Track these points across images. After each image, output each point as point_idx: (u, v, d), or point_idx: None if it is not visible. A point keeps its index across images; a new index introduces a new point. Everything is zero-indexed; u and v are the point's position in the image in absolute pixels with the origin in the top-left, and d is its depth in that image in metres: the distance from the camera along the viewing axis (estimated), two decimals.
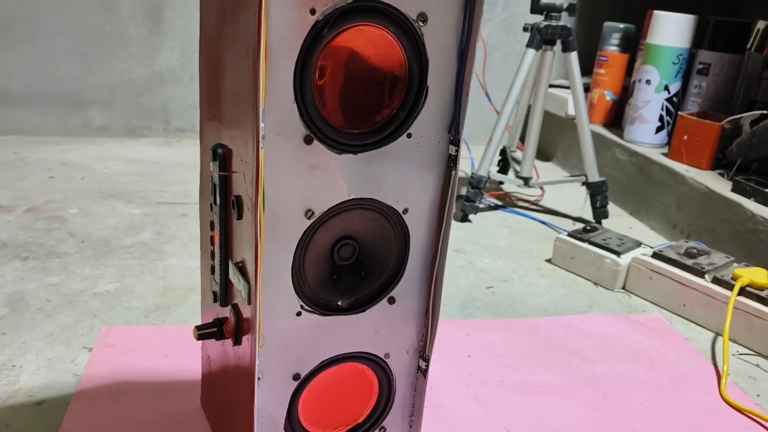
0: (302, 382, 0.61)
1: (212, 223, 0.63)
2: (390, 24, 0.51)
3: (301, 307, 0.58)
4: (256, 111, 0.49)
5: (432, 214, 0.61)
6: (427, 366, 0.65)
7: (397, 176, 0.57)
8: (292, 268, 0.56)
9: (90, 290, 1.05)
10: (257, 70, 0.48)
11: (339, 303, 0.60)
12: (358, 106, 0.54)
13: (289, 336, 0.58)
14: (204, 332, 0.64)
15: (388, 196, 0.58)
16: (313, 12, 0.49)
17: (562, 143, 1.96)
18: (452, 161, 0.59)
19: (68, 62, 1.85)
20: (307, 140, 0.52)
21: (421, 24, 0.52)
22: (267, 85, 0.49)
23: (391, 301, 0.62)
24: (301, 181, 0.53)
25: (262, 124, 0.49)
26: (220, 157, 0.59)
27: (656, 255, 1.14)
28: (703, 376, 0.91)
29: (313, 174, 0.54)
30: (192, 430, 0.73)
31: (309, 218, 0.55)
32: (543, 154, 2.05)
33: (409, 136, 0.56)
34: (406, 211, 0.59)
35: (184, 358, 0.85)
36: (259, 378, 0.58)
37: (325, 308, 0.59)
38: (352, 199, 0.56)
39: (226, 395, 0.67)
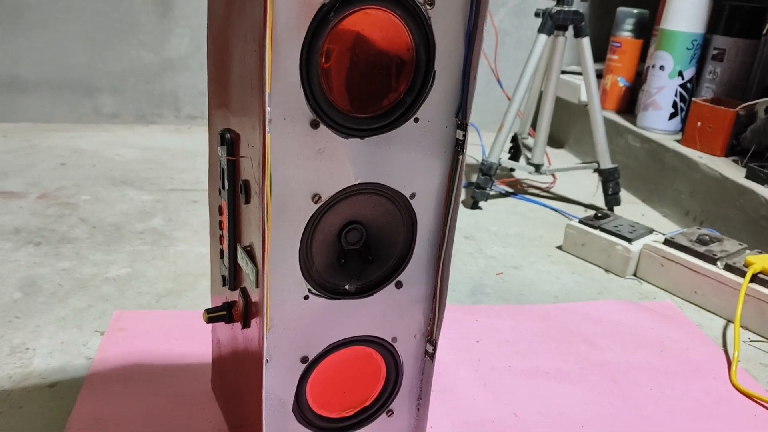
0: (310, 365, 0.61)
1: (221, 208, 0.63)
2: (397, 7, 0.51)
3: (309, 290, 0.58)
4: (262, 95, 0.49)
5: (439, 199, 0.61)
6: (435, 350, 0.65)
7: (404, 161, 0.57)
8: (299, 252, 0.56)
9: (102, 275, 1.06)
10: (263, 54, 0.48)
11: (346, 287, 0.60)
12: (365, 90, 0.54)
13: (297, 319, 0.58)
14: (213, 315, 0.65)
15: (396, 181, 0.58)
16: None
17: (574, 130, 1.94)
18: (459, 146, 0.58)
19: (79, 49, 1.86)
20: (314, 124, 0.52)
21: (428, 7, 0.52)
22: (273, 70, 0.49)
23: (399, 285, 0.62)
24: (307, 165, 0.53)
25: (268, 109, 0.49)
26: (227, 141, 0.59)
27: (668, 242, 1.13)
28: (714, 363, 0.90)
29: (320, 158, 0.54)
30: (202, 412, 0.74)
31: (316, 202, 0.55)
32: (555, 141, 2.04)
33: (416, 120, 0.56)
34: (413, 195, 0.59)
35: (195, 342, 0.86)
36: (267, 360, 0.58)
37: (332, 292, 0.59)
38: (359, 183, 0.56)
39: (235, 378, 0.68)
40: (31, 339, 0.86)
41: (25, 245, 1.14)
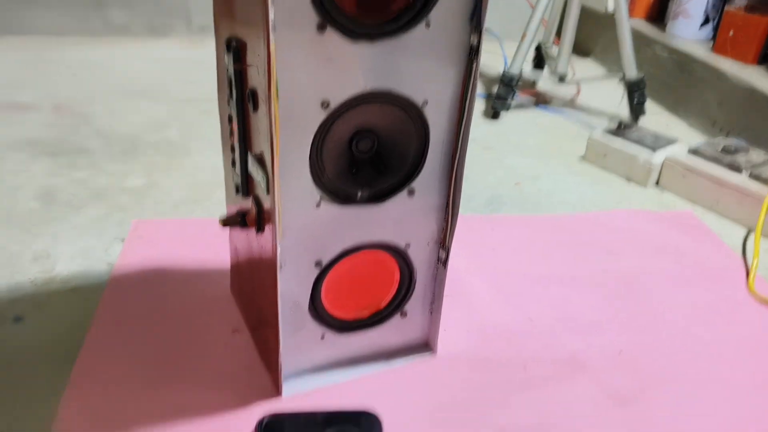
0: (324, 269, 0.62)
1: (230, 117, 0.62)
2: None
3: (320, 197, 0.57)
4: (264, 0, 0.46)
5: (453, 107, 0.58)
6: (447, 256, 0.65)
7: (415, 68, 0.55)
8: (309, 159, 0.55)
9: (118, 185, 1.06)
10: None
11: (358, 195, 0.59)
12: None
13: (310, 225, 0.58)
14: (229, 221, 0.65)
15: (407, 88, 0.55)
16: None
17: (601, 39, 1.86)
18: (473, 52, 0.55)
19: None
20: (320, 27, 0.50)
21: None
22: None
23: (411, 193, 0.61)
24: (315, 71, 0.51)
25: (271, 14, 0.47)
26: (234, 49, 0.57)
27: (692, 151, 1.10)
28: (732, 271, 0.90)
29: (328, 64, 0.51)
30: (222, 314, 0.75)
31: (325, 109, 0.53)
32: (581, 50, 1.96)
33: (427, 25, 0.53)
34: (425, 103, 0.57)
35: (213, 249, 0.87)
36: (281, 266, 0.59)
37: (344, 199, 0.59)
38: (369, 91, 0.54)
39: (252, 282, 0.69)
40: (52, 246, 0.88)
41: (41, 156, 1.14)
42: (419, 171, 0.60)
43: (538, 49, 1.62)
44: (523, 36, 1.39)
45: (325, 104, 0.53)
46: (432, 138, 0.59)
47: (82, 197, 1.01)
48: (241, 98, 0.58)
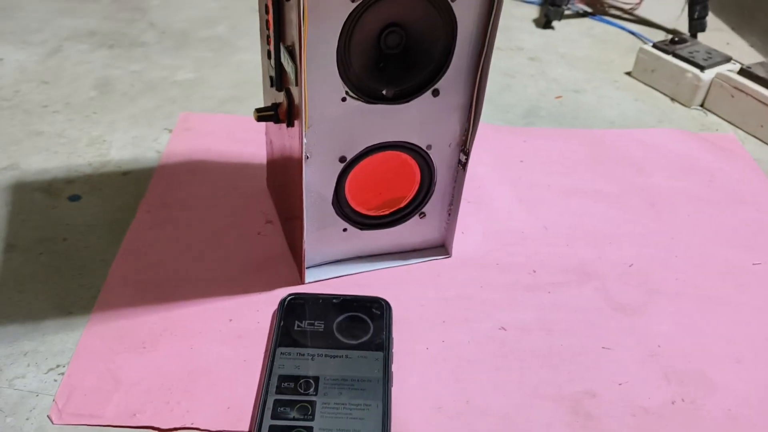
0: (348, 164, 0.65)
1: (267, 7, 0.64)
2: None
3: (346, 92, 0.60)
4: None
5: (482, 3, 0.59)
6: (467, 159, 0.68)
7: None
8: (337, 52, 0.58)
9: (170, 78, 1.11)
10: None
11: (384, 92, 0.62)
12: None
13: (335, 120, 0.62)
14: (262, 114, 0.69)
15: None
16: None
17: None
18: None
19: None
20: None
21: None
22: None
23: (435, 93, 0.63)
24: None
25: None
26: None
27: (743, 71, 1.06)
28: (762, 196, 0.89)
29: None
30: (257, 205, 0.81)
31: (354, 1, 0.55)
32: None
33: None
34: None
35: (254, 144, 0.92)
36: (307, 157, 0.63)
37: (370, 96, 0.61)
38: None
39: (283, 174, 0.74)
40: (107, 133, 0.95)
41: (100, 47, 1.20)
42: (445, 70, 0.62)
43: None
44: None
45: None
46: (459, 35, 0.60)
47: (137, 88, 1.07)
48: None
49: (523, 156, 0.94)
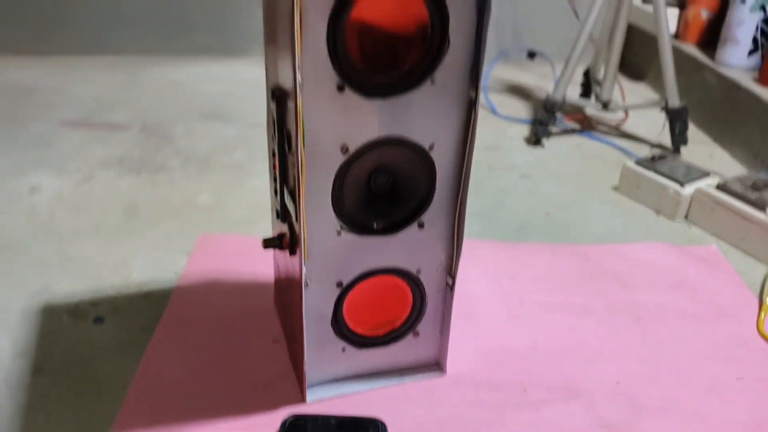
0: (345, 289, 0.72)
1: (273, 152, 0.74)
2: None
3: (341, 227, 0.68)
4: (293, 64, 0.58)
5: (457, 150, 0.68)
6: (453, 282, 0.75)
7: (422, 117, 0.65)
8: (331, 194, 0.66)
9: (191, 202, 1.21)
10: (293, 29, 0.56)
11: (374, 225, 0.70)
12: (386, 56, 0.61)
13: (332, 250, 0.69)
14: (269, 243, 0.77)
15: (415, 135, 0.66)
16: None
17: (655, 63, 1.88)
18: (472, 104, 0.65)
19: None
20: (340, 88, 0.61)
21: None
22: (304, 42, 0.58)
23: (421, 225, 0.71)
24: (336, 121, 0.62)
25: (299, 76, 0.58)
26: (277, 97, 0.68)
27: (720, 186, 1.13)
28: (744, 309, 0.94)
29: (347, 116, 0.62)
30: (265, 322, 0.88)
31: (344, 153, 0.64)
32: (635, 74, 1.98)
33: (432, 82, 0.63)
34: (432, 147, 0.67)
35: (264, 264, 0.99)
36: (306, 284, 0.70)
37: (362, 228, 0.69)
38: (383, 137, 0.65)
39: (287, 296, 0.81)
40: (130, 257, 1.03)
41: (128, 174, 1.32)
42: (428, 205, 0.70)
43: (587, 74, 1.67)
44: (566, 63, 1.45)
45: (344, 149, 0.64)
46: (438, 176, 0.69)
47: (160, 213, 1.17)
48: (281, 138, 0.69)
49: (513, 272, 1.00)
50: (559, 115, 1.51)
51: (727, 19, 1.53)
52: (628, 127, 1.63)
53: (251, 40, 2.09)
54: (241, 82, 1.90)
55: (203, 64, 2.04)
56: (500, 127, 1.57)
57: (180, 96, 1.76)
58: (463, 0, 0.60)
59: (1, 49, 2.05)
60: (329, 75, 0.60)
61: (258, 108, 1.69)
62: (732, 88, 1.49)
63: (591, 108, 1.59)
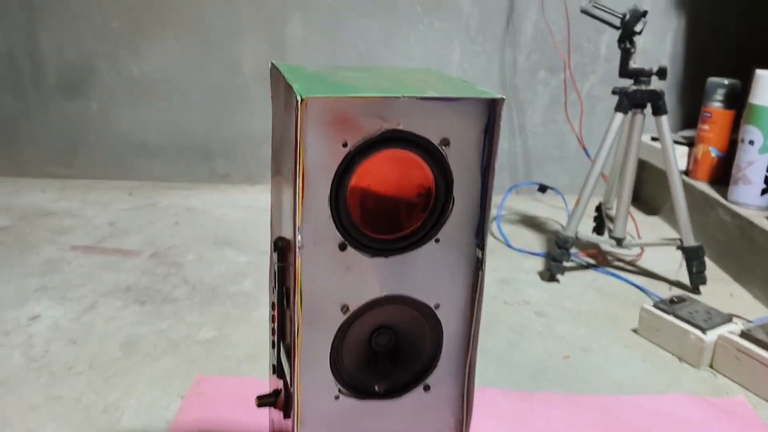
0: None
1: (273, 304, 0.71)
2: (416, 148, 0.57)
3: (339, 391, 0.64)
4: (294, 225, 0.57)
5: (464, 309, 0.65)
6: None
7: (427, 276, 0.62)
8: (330, 355, 0.63)
9: (193, 336, 1.18)
10: (296, 193, 0.56)
11: (376, 388, 0.65)
12: (389, 217, 0.60)
13: (329, 417, 0.64)
14: (263, 401, 0.72)
15: (420, 293, 0.63)
16: (345, 145, 0.56)
17: (668, 197, 1.87)
18: (479, 263, 0.63)
19: (198, 117, 2.08)
20: (342, 247, 0.59)
21: (444, 147, 0.58)
22: (307, 202, 0.57)
23: (427, 388, 0.66)
24: (336, 280, 0.60)
25: (299, 237, 0.57)
26: (279, 249, 0.67)
27: (744, 334, 1.08)
28: None
29: (348, 274, 0.60)
30: None
31: (344, 313, 0.61)
32: (650, 208, 1.98)
33: (437, 241, 0.61)
34: (437, 306, 0.64)
35: (260, 413, 0.94)
36: None
37: (362, 392, 0.65)
38: (385, 295, 0.62)
39: None
40: (122, 398, 0.99)
41: (132, 304, 1.30)
42: (434, 366, 0.66)
43: (599, 209, 1.66)
44: (577, 201, 1.45)
45: (344, 308, 0.62)
46: (445, 336, 0.65)
47: (159, 348, 1.14)
48: (281, 292, 0.67)
49: (531, 426, 0.94)
50: (574, 249, 1.48)
51: (737, 159, 1.54)
52: (644, 262, 1.59)
53: (269, 168, 2.14)
54: (257, 208, 1.92)
55: (221, 190, 2.08)
56: (514, 259, 1.55)
57: (194, 222, 1.78)
58: (468, 163, 0.59)
59: (26, 171, 2.12)
60: (331, 234, 0.59)
61: (269, 234, 1.70)
62: (747, 226, 1.46)
63: (605, 244, 1.57)
